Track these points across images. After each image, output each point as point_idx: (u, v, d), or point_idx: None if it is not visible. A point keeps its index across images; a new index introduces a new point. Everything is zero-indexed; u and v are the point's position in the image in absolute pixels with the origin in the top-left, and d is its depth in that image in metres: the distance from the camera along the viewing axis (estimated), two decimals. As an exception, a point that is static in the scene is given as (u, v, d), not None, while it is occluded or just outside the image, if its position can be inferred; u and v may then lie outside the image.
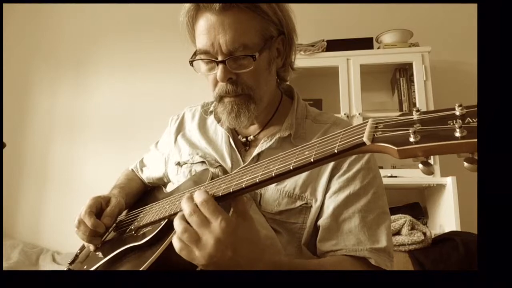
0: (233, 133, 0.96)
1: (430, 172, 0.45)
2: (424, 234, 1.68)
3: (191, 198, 0.64)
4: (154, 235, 0.73)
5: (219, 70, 0.80)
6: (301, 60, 2.15)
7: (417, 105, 2.06)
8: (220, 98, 0.86)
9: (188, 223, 0.62)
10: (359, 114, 2.08)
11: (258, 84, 0.84)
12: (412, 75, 2.15)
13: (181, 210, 0.65)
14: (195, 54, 0.86)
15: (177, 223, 0.63)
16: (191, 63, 0.86)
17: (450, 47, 2.39)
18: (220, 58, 0.80)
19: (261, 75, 0.84)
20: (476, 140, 0.40)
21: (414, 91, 2.12)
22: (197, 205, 0.62)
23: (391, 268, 0.78)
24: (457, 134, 0.41)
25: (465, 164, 0.42)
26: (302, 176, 0.84)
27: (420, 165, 0.45)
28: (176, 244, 0.62)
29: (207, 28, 0.79)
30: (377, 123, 0.50)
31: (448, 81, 2.30)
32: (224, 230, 0.60)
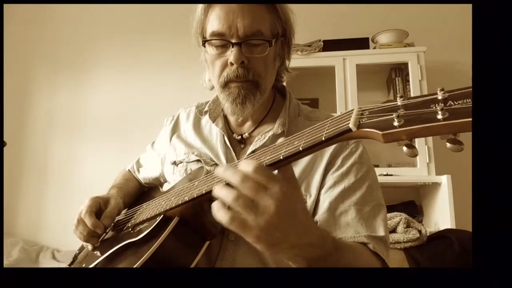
0: (228, 131, 0.97)
1: (414, 154, 0.46)
2: (420, 232, 1.70)
3: (234, 167, 0.57)
4: (150, 231, 0.74)
5: (234, 52, 0.81)
6: (297, 60, 2.17)
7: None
8: (226, 84, 0.86)
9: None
10: (355, 113, 2.09)
11: (266, 73, 0.87)
12: (407, 74, 2.16)
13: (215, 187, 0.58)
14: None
15: (225, 192, 0.55)
16: (203, 44, 0.87)
17: (445, 47, 2.40)
18: (235, 41, 0.81)
19: (269, 65, 0.87)
20: (458, 121, 0.41)
21: (409, 91, 2.13)
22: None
23: (388, 257, 0.79)
24: (439, 117, 0.42)
25: (448, 144, 0.43)
26: (296, 172, 0.85)
27: (404, 148, 0.46)
28: (225, 215, 0.54)
29: (226, 12, 0.82)
30: (362, 110, 0.51)
31: (443, 81, 2.30)
32: (285, 193, 0.54)
